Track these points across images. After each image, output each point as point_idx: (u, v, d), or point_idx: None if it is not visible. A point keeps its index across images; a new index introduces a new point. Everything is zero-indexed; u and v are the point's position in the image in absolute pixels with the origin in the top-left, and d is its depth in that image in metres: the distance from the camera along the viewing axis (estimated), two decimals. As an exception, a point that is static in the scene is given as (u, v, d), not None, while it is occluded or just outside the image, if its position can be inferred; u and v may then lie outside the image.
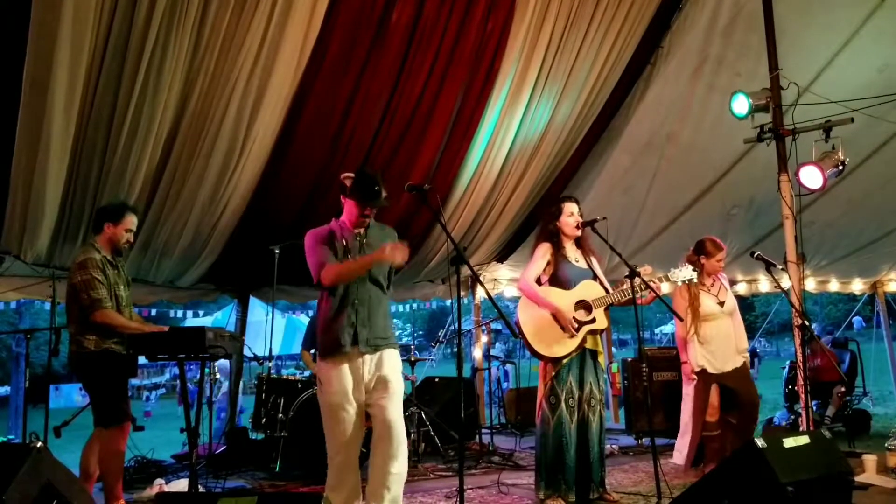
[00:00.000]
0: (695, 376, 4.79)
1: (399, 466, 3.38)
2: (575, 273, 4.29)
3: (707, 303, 4.83)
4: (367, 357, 3.45)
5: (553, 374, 4.16)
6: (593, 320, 4.19)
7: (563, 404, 4.11)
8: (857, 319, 10.56)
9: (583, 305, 4.20)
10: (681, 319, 4.78)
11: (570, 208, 4.37)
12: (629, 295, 4.14)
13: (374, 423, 3.45)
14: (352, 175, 3.54)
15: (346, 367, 3.42)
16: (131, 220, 4.11)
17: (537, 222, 4.82)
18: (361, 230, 3.58)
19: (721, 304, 4.84)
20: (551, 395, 4.15)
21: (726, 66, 6.38)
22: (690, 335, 4.82)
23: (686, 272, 4.34)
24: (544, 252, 4.35)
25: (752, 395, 4.85)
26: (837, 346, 8.57)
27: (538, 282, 4.32)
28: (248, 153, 5.30)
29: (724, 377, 4.76)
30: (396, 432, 3.39)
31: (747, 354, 4.95)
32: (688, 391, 4.89)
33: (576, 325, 4.15)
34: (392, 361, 3.51)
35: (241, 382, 7.54)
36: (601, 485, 4.19)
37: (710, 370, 4.75)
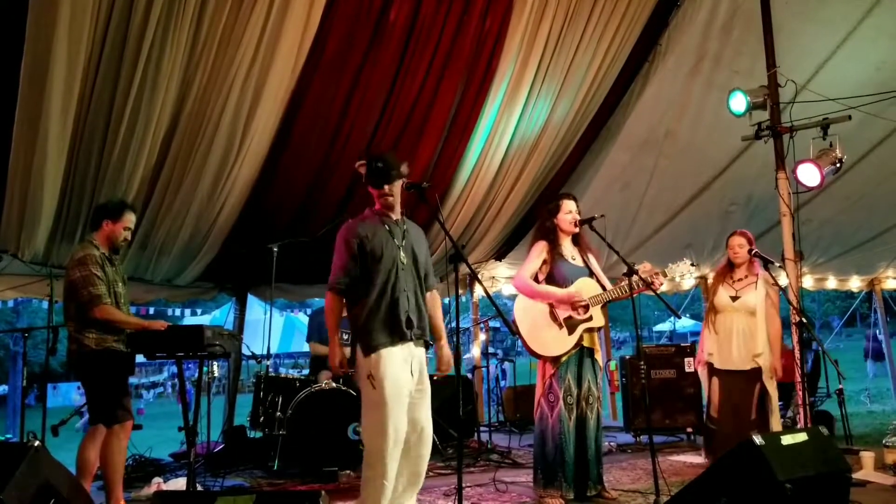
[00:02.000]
0: (701, 367, 4.93)
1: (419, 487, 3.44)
2: (571, 271, 4.28)
3: (721, 294, 4.88)
4: (416, 349, 3.38)
5: (552, 372, 4.16)
6: (590, 318, 4.19)
7: (561, 402, 4.11)
8: (834, 318, 10.49)
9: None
10: (678, 317, 4.80)
11: (568, 205, 4.36)
12: (626, 292, 4.14)
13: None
14: (363, 162, 3.44)
15: (401, 358, 3.29)
16: (130, 219, 4.11)
17: (535, 220, 4.83)
18: (400, 217, 3.48)
19: (735, 298, 4.81)
20: (549, 393, 4.15)
21: (724, 64, 6.39)
22: (708, 324, 4.95)
23: (683, 267, 4.33)
24: (540, 251, 4.34)
25: (743, 409, 4.71)
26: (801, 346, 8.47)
27: (536, 280, 4.32)
28: (246, 151, 5.29)
29: (725, 375, 4.75)
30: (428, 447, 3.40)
31: (760, 362, 4.72)
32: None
33: (584, 303, 4.16)
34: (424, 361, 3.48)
35: (239, 380, 7.54)
36: (599, 482, 4.20)
37: (716, 363, 4.79)
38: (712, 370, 4.87)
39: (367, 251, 3.34)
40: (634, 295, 4.10)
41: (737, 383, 4.76)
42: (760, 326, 4.78)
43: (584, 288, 4.24)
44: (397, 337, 3.28)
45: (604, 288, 4.27)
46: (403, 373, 3.28)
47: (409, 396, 3.30)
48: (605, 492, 4.19)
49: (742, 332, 4.77)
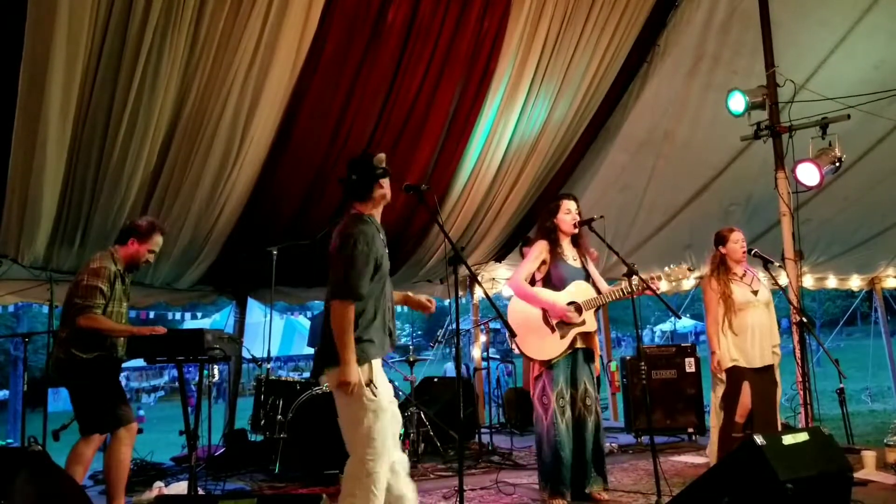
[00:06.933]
0: (722, 374, 4.61)
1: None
2: (570, 272, 4.28)
3: (739, 291, 4.67)
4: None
5: (544, 374, 4.16)
6: (582, 322, 4.18)
7: (553, 404, 4.10)
8: (783, 321, 10.23)
9: (573, 307, 4.20)
10: (678, 317, 4.75)
11: (568, 205, 4.36)
12: (622, 294, 4.13)
13: None
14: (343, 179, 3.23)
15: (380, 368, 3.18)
16: (157, 241, 4.09)
17: (535, 221, 4.82)
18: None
19: (755, 292, 4.69)
20: (543, 396, 4.15)
21: (722, 64, 6.39)
22: (724, 327, 4.65)
23: (680, 271, 4.31)
24: (540, 251, 4.33)
25: (770, 402, 4.60)
26: None
27: (533, 280, 4.32)
28: (245, 154, 5.29)
29: (754, 374, 4.58)
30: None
31: (779, 351, 4.77)
32: (715, 389, 4.72)
33: (573, 316, 4.14)
34: None
35: (239, 384, 7.54)
36: (597, 483, 4.19)
37: (743, 364, 4.57)
38: (737, 374, 4.60)
39: (375, 258, 3.12)
40: (630, 297, 4.09)
41: (765, 380, 4.63)
42: (774, 318, 4.75)
43: (580, 292, 4.23)
44: (388, 347, 3.20)
45: (599, 292, 4.27)
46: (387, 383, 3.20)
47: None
48: (595, 493, 4.15)
49: (760, 326, 4.64)
